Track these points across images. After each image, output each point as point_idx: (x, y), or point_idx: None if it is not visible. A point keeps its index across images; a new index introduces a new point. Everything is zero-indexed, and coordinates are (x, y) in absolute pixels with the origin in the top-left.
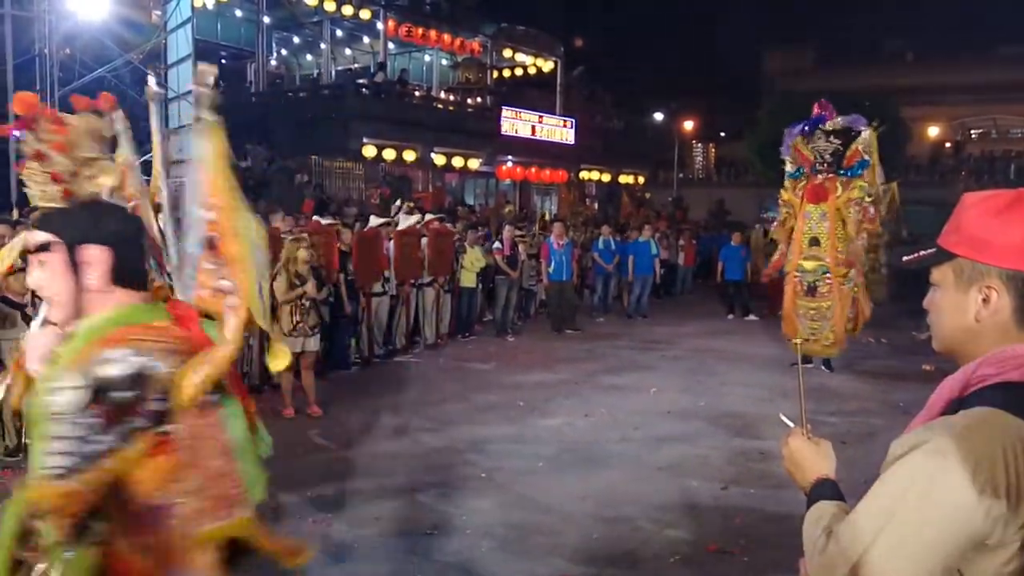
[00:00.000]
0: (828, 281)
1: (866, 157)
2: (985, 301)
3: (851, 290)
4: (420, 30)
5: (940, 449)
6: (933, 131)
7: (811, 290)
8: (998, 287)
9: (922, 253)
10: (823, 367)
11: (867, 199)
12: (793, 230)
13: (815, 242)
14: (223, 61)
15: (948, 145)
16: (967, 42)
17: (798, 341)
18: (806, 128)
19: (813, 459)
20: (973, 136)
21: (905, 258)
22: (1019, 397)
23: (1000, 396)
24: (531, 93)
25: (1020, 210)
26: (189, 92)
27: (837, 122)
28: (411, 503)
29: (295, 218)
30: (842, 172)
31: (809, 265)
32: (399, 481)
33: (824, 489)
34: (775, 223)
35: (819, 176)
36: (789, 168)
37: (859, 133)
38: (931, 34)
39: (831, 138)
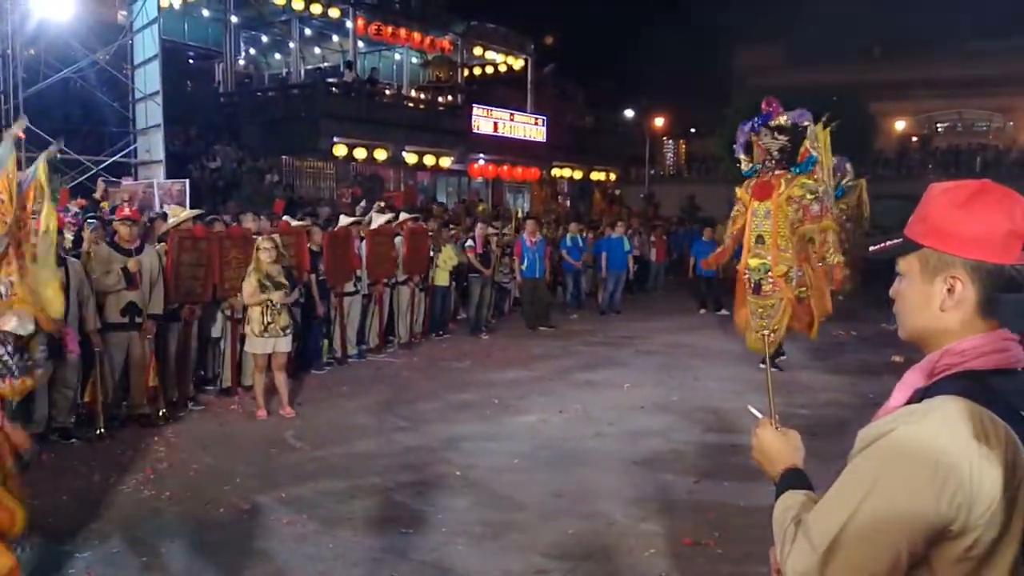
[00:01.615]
0: (771, 280)
1: (814, 154)
2: (950, 291)
3: (796, 291)
4: (390, 28)
5: (906, 437)
6: (900, 125)
7: (757, 288)
8: (963, 277)
9: (888, 243)
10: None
11: (809, 196)
12: (744, 228)
13: (760, 240)
14: (191, 61)
15: (915, 139)
16: (933, 38)
17: (766, 333)
18: (756, 125)
19: (782, 449)
20: (939, 130)
21: (872, 248)
22: (981, 385)
23: (963, 384)
24: (502, 91)
25: (984, 201)
26: (156, 92)
27: (782, 119)
28: (386, 502)
29: (270, 219)
30: (795, 168)
31: (754, 263)
32: (373, 481)
33: (793, 479)
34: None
35: (767, 173)
36: (744, 166)
37: (806, 129)
38: (898, 30)
39: (776, 135)
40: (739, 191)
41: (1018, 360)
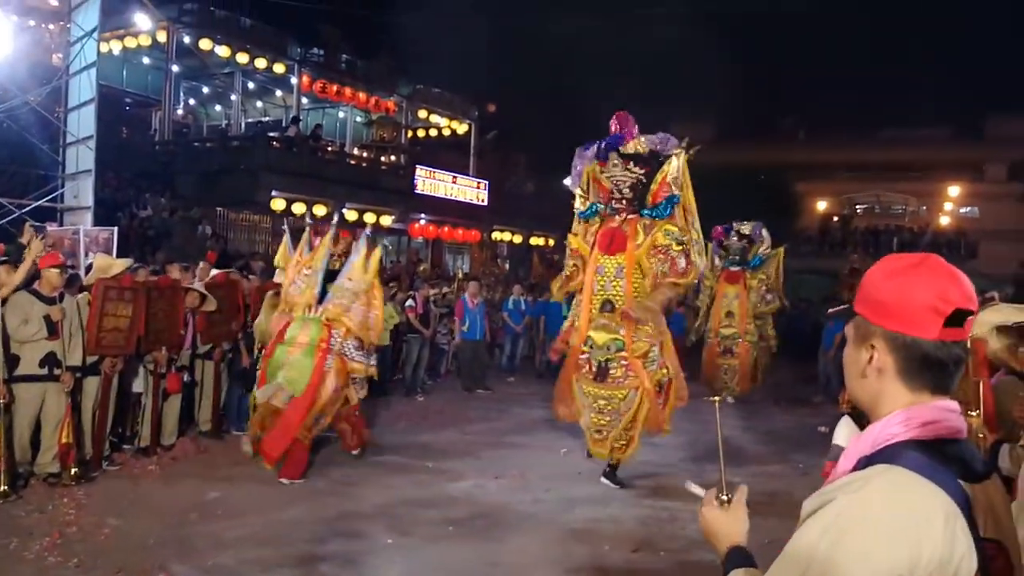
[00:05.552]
0: (623, 362)
1: (675, 192)
2: (869, 360)
3: (658, 373)
4: (335, 87)
5: (846, 506)
6: (822, 205)
7: (601, 373)
8: (879, 346)
9: (841, 308)
10: (604, 475)
11: (676, 247)
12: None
13: (608, 306)
14: (127, 108)
15: (836, 218)
16: (853, 124)
17: (717, 399)
18: (601, 148)
19: (725, 527)
20: (859, 211)
21: (829, 311)
22: (922, 455)
23: (904, 453)
24: (445, 154)
25: (914, 274)
26: (90, 137)
27: (640, 143)
28: (314, 572)
29: (204, 268)
30: (646, 212)
31: (600, 338)
32: (301, 549)
33: (736, 558)
34: (560, 278)
35: (616, 217)
36: (579, 205)
37: (669, 159)
38: (821, 115)
39: (632, 165)
40: (573, 240)
41: (959, 430)
